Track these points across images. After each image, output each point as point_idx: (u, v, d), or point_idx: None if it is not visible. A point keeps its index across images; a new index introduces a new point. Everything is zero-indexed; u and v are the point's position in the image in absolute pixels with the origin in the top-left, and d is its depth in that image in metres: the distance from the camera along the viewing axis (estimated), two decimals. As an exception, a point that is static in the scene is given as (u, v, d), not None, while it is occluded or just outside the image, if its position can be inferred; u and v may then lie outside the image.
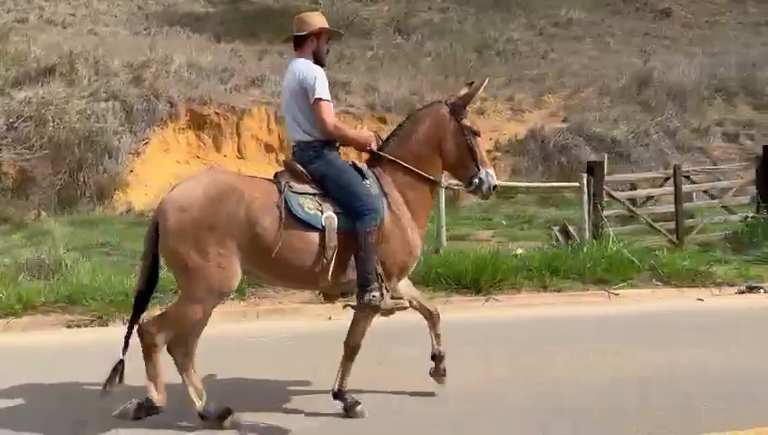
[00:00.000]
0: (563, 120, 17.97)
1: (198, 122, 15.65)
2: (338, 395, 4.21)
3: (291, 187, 4.05)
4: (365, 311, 4.11)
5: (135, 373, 3.86)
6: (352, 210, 4.02)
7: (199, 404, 3.94)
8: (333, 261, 3.99)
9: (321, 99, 4.16)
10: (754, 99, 19.73)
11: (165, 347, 3.91)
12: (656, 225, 9.82)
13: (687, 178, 10.10)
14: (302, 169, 4.17)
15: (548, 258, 8.06)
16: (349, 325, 4.29)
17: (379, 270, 4.02)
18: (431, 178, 4.37)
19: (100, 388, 3.85)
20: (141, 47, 18.27)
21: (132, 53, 17.12)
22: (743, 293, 7.75)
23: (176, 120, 15.20)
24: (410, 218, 4.26)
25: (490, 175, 4.42)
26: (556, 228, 9.57)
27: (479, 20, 28.71)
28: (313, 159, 4.20)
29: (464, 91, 4.46)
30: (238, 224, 3.83)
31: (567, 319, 6.54)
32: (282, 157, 16.55)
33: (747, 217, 9.96)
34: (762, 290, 7.76)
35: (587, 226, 8.74)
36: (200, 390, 3.98)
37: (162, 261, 4.00)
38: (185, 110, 15.39)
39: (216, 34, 23.85)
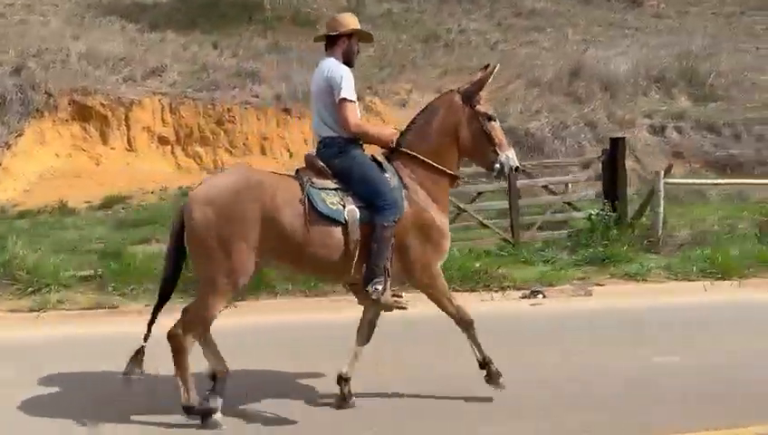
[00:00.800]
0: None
1: (83, 114, 15.03)
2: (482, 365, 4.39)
3: (312, 183, 4.14)
4: (366, 301, 4.25)
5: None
6: (373, 205, 4.11)
7: (186, 398, 4.04)
8: (357, 253, 4.09)
9: (345, 99, 4.24)
10: (695, 90, 18.71)
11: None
12: (490, 223, 9.03)
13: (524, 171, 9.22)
14: (322, 164, 4.27)
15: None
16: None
17: (388, 266, 4.12)
18: (449, 172, 4.43)
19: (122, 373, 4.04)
20: (48, 36, 17.70)
21: (29, 42, 16.54)
22: (525, 297, 7.03)
23: (55, 111, 14.59)
24: (437, 209, 4.33)
25: (510, 157, 4.43)
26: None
27: (440, 10, 27.77)
28: (338, 154, 4.29)
29: (478, 76, 4.45)
30: (263, 219, 3.95)
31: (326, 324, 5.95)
32: (178, 150, 15.99)
33: (591, 215, 9.08)
34: (541, 295, 7.03)
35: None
36: (191, 385, 4.07)
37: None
38: (67, 101, 14.78)
39: (153, 24, 23.23)
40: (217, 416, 4.01)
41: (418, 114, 4.54)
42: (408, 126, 4.53)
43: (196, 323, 4.05)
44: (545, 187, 9.60)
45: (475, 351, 4.40)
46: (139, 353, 4.05)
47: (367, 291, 4.11)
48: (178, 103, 15.64)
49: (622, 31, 24.96)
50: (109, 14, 24.33)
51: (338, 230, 4.08)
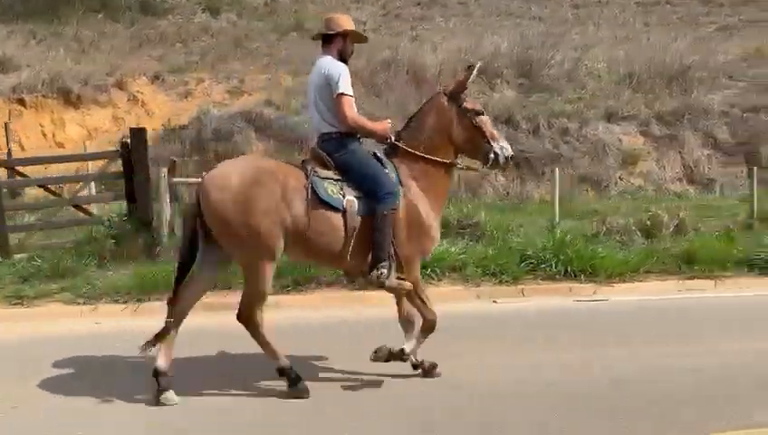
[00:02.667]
0: (268, 103, 14.77)
1: None
2: (415, 367, 4.79)
3: (316, 172, 4.41)
4: (372, 286, 4.57)
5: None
6: (374, 195, 4.37)
7: (278, 363, 4.49)
8: (354, 242, 4.37)
9: (343, 94, 4.48)
10: (527, 80, 16.21)
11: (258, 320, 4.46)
12: None
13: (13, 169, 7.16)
14: (325, 155, 4.52)
15: None
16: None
17: (392, 252, 4.39)
18: (445, 161, 4.69)
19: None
20: None
21: None
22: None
23: None
24: (427, 205, 4.60)
25: (504, 147, 4.72)
26: None
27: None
28: (338, 148, 4.54)
29: (460, 77, 4.75)
30: (275, 201, 4.23)
31: None
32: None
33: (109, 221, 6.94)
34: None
35: None
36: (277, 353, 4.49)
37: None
38: None
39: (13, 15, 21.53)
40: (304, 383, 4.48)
41: (412, 117, 4.81)
42: (404, 126, 4.79)
43: (254, 300, 4.38)
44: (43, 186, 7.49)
45: (412, 342, 4.74)
46: (169, 327, 4.36)
47: (372, 275, 4.34)
48: None
49: (513, 19, 22.48)
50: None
51: (337, 217, 4.33)
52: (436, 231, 4.71)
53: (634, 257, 7.75)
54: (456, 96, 4.71)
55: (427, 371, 4.80)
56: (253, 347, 4.61)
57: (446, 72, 15.53)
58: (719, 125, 14.31)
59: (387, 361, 4.68)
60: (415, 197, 4.56)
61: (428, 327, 4.71)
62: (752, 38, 20.28)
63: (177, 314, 4.43)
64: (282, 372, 4.48)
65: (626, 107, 14.57)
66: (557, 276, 7.41)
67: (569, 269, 7.41)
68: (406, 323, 4.84)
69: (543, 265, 7.47)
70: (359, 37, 4.79)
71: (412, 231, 4.53)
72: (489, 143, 4.69)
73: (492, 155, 4.68)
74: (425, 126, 4.69)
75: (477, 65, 4.79)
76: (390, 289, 4.52)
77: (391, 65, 15.33)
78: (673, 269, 7.77)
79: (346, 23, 4.69)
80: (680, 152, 13.98)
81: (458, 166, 4.98)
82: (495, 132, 4.76)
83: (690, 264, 7.74)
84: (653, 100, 15.11)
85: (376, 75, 15.15)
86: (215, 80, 14.98)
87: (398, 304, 4.87)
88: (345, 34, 4.67)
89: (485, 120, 4.76)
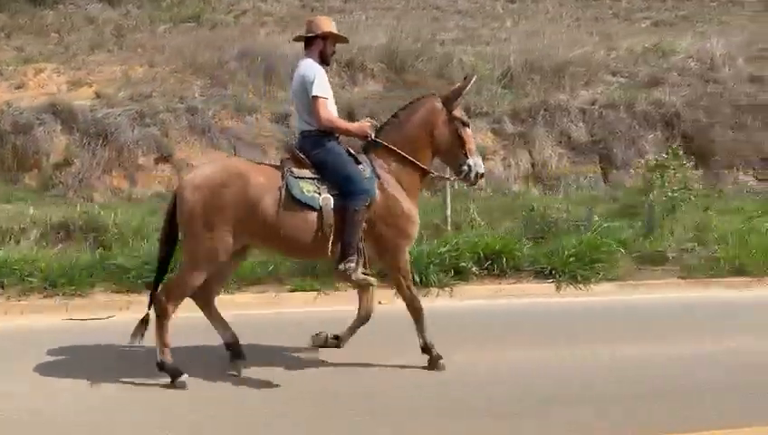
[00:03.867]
0: (97, 96, 13.91)
1: None
2: (424, 350, 4.95)
3: (292, 172, 4.63)
4: (340, 278, 5.11)
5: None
6: (347, 192, 4.56)
7: (161, 356, 4.61)
8: (334, 236, 4.56)
9: (317, 96, 4.70)
10: (396, 75, 15.44)
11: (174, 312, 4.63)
12: None
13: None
14: (302, 155, 4.75)
15: None
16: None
17: (360, 246, 4.63)
18: (421, 165, 4.88)
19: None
20: None
21: None
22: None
23: None
24: (404, 192, 4.80)
25: (477, 163, 4.94)
26: None
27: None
28: (314, 146, 4.76)
29: (457, 85, 4.99)
30: (243, 205, 4.46)
31: None
32: None
33: None
34: None
35: None
36: (168, 344, 4.60)
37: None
38: None
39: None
40: (183, 377, 4.58)
41: (398, 112, 4.95)
42: (386, 122, 4.97)
43: (176, 292, 4.57)
44: None
45: (419, 335, 4.91)
46: (146, 320, 4.66)
47: (339, 268, 4.55)
48: None
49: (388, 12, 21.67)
50: None
51: (313, 215, 4.54)
52: (415, 216, 4.84)
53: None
54: (449, 102, 4.89)
55: (434, 360, 4.96)
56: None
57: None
58: (576, 123, 13.52)
59: (323, 346, 5.21)
60: (391, 186, 4.73)
61: (419, 315, 4.91)
62: (672, 33, 19.36)
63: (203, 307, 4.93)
64: (161, 367, 4.61)
65: (485, 104, 13.78)
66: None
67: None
68: (362, 317, 5.16)
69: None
70: (339, 38, 4.95)
71: (394, 219, 4.70)
72: (466, 155, 4.87)
73: (465, 167, 4.87)
74: (410, 124, 4.85)
75: (474, 77, 5.01)
76: (356, 283, 4.75)
77: (243, 57, 14.62)
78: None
79: (326, 25, 4.88)
80: (530, 151, 13.17)
81: (432, 174, 5.17)
82: (474, 148, 4.96)
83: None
84: (523, 96, 14.34)
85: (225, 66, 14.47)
86: (58, 71, 14.41)
87: (361, 296, 5.13)
88: (325, 37, 4.85)
89: (469, 133, 4.97)
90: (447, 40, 18.05)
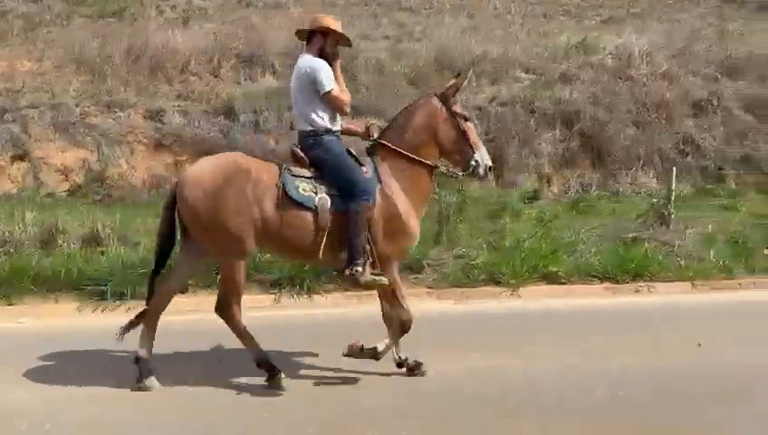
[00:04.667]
0: None
1: None
2: (399, 365, 4.88)
3: (290, 170, 4.58)
4: (349, 283, 4.66)
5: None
6: (347, 193, 4.48)
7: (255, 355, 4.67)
8: (326, 238, 4.49)
9: (328, 92, 4.63)
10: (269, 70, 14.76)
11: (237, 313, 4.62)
12: None
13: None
14: (302, 154, 4.69)
15: None
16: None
17: (367, 248, 4.48)
18: (427, 162, 4.77)
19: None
20: None
21: None
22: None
23: None
24: (407, 203, 4.68)
25: (484, 157, 4.86)
26: None
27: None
28: (314, 146, 4.69)
29: (452, 81, 4.92)
30: (246, 200, 4.39)
31: None
32: None
33: None
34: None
35: None
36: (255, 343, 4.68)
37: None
38: None
39: None
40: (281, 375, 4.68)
41: (398, 114, 4.96)
42: (388, 124, 4.98)
43: (229, 293, 4.58)
44: None
45: (391, 346, 4.86)
46: (143, 315, 4.68)
47: (347, 273, 4.47)
48: None
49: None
50: None
51: (308, 215, 4.47)
52: (414, 230, 4.75)
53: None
54: (447, 98, 4.84)
55: (412, 369, 4.89)
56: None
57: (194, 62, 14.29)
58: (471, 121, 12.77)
59: (359, 357, 4.88)
60: (393, 194, 4.63)
61: (403, 328, 4.80)
62: (615, 30, 18.61)
63: (151, 308, 4.68)
64: (259, 365, 4.62)
65: (387, 103, 13.06)
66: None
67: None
68: (389, 320, 4.89)
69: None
70: (341, 37, 4.83)
71: (389, 229, 4.60)
72: (472, 150, 4.80)
73: (473, 162, 4.80)
74: (412, 125, 4.78)
75: (470, 72, 5.11)
76: (367, 286, 4.58)
77: (131, 51, 14.00)
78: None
79: (328, 22, 4.81)
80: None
81: (439, 168, 5.04)
82: (478, 141, 4.90)
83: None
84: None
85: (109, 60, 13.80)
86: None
87: (381, 300, 4.90)
88: (325, 33, 4.76)
89: (471, 127, 4.91)
90: (377, 36, 17.41)
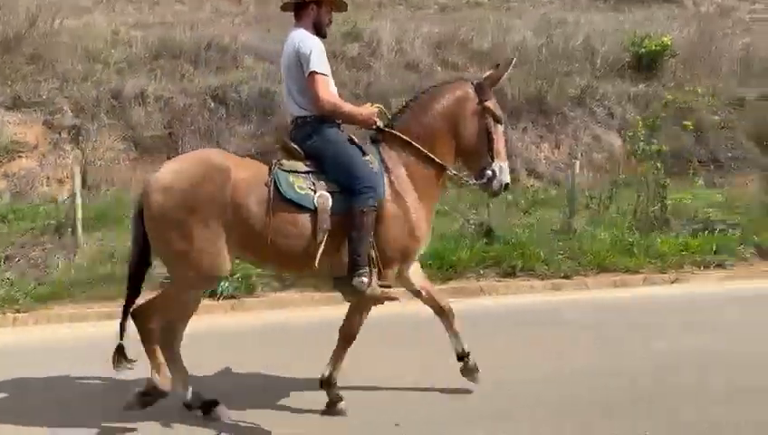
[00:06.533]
0: None
1: None
2: (324, 383, 4.12)
3: (281, 165, 3.86)
4: (351, 295, 3.90)
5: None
6: (349, 189, 3.80)
7: (182, 393, 3.96)
8: (326, 243, 3.78)
9: (315, 72, 3.94)
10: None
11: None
12: None
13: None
14: (295, 146, 3.98)
15: None
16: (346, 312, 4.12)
17: (373, 255, 3.84)
18: (438, 161, 4.10)
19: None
20: None
21: None
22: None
23: None
24: (416, 198, 4.01)
25: (504, 170, 4.17)
26: None
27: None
28: (310, 135, 4.00)
29: (490, 71, 4.25)
30: (222, 205, 3.65)
31: None
32: None
33: None
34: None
35: None
36: (186, 378, 3.97)
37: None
38: None
39: None
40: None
41: (418, 95, 4.27)
42: (403, 106, 4.25)
43: (162, 310, 3.79)
44: None
45: (335, 362, 4.16)
46: (120, 349, 3.85)
47: (352, 285, 3.76)
48: None
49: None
50: None
51: (305, 217, 3.76)
52: (422, 231, 4.04)
53: None
54: (484, 90, 4.18)
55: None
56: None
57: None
58: (153, 114, 11.49)
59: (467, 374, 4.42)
60: (402, 186, 3.97)
61: (348, 340, 4.13)
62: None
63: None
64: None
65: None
66: None
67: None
68: (442, 314, 4.41)
69: None
70: (337, 3, 4.19)
71: (395, 227, 3.91)
72: (492, 157, 4.13)
73: (489, 172, 4.13)
74: (433, 110, 4.12)
75: (513, 60, 4.28)
76: (372, 299, 3.91)
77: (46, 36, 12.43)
78: None
79: None
80: (81, 147, 11.13)
81: (450, 172, 4.30)
82: (503, 151, 4.20)
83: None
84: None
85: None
86: None
87: (439, 315, 4.41)
88: (318, 2, 4.10)
89: (500, 132, 4.20)
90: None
